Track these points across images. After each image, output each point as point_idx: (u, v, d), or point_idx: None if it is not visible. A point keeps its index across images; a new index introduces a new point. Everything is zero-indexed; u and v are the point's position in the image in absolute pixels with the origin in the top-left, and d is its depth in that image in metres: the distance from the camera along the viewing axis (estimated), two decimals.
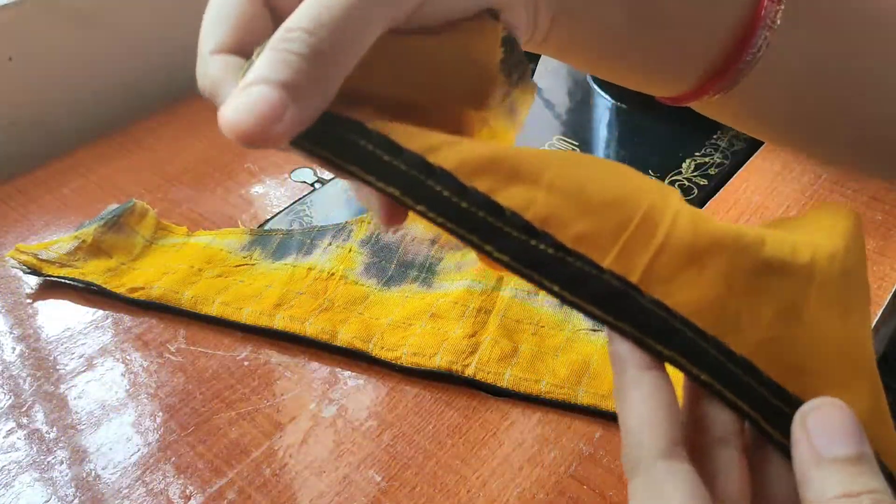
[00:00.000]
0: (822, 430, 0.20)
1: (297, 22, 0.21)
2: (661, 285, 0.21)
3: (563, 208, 0.22)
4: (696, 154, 0.61)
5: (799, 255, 0.23)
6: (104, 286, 0.49)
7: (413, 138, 0.22)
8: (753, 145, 0.62)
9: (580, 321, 0.46)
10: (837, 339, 0.23)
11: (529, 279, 0.21)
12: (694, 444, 0.23)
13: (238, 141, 0.20)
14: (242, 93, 0.20)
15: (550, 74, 0.73)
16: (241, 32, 0.24)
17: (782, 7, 0.28)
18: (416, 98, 0.24)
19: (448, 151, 0.22)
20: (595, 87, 0.70)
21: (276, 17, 0.25)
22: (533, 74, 0.54)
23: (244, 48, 0.24)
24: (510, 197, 0.22)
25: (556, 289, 0.21)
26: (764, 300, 0.22)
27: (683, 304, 0.21)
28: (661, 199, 0.22)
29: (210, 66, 0.24)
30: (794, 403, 0.22)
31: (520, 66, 0.26)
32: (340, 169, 0.22)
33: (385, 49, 0.23)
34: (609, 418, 0.42)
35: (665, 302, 0.21)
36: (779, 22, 0.29)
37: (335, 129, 0.22)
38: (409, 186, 0.21)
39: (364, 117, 0.22)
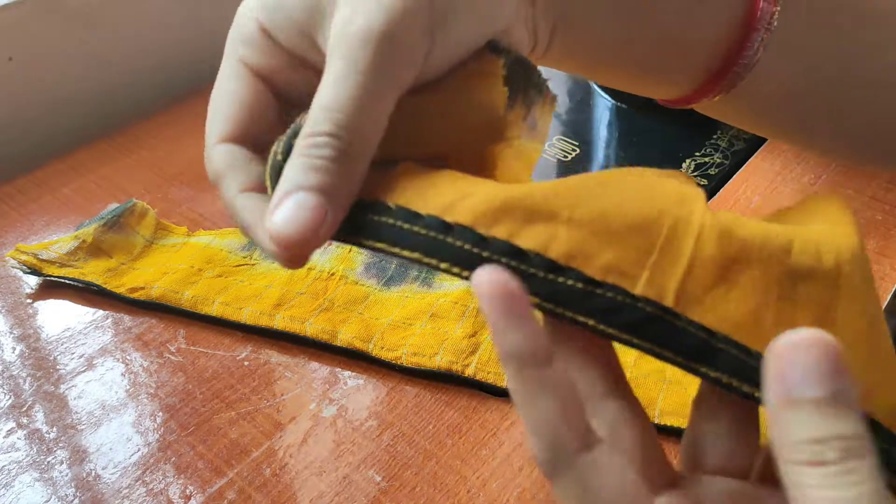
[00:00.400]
0: (792, 367, 0.18)
1: (320, 126, 0.22)
2: (695, 305, 0.21)
3: (586, 240, 0.21)
4: (696, 154, 0.61)
5: (825, 259, 0.22)
6: (104, 286, 0.49)
7: (429, 200, 0.22)
8: (753, 145, 0.62)
9: None
10: (866, 337, 0.22)
11: (563, 318, 0.21)
12: (687, 466, 0.23)
13: (289, 251, 0.21)
14: (284, 205, 0.21)
15: (550, 75, 0.73)
16: (245, 120, 0.25)
17: (778, 9, 0.29)
18: (435, 149, 0.25)
19: (463, 206, 0.22)
20: (595, 87, 0.70)
21: (279, 95, 0.26)
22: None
23: (249, 135, 0.25)
24: (530, 238, 0.21)
25: (590, 323, 0.21)
26: (798, 308, 0.22)
27: (721, 321, 0.21)
28: (683, 211, 0.22)
29: (214, 157, 0.25)
30: None
31: (533, 82, 0.27)
32: (369, 248, 0.23)
33: (396, 117, 0.23)
34: None
35: (702, 322, 0.21)
36: (775, 24, 0.29)
37: (359, 216, 0.23)
38: (432, 248, 0.22)
39: (384, 182, 0.23)
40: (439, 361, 0.44)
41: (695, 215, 0.22)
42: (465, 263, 0.21)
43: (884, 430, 0.22)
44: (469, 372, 0.44)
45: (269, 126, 0.26)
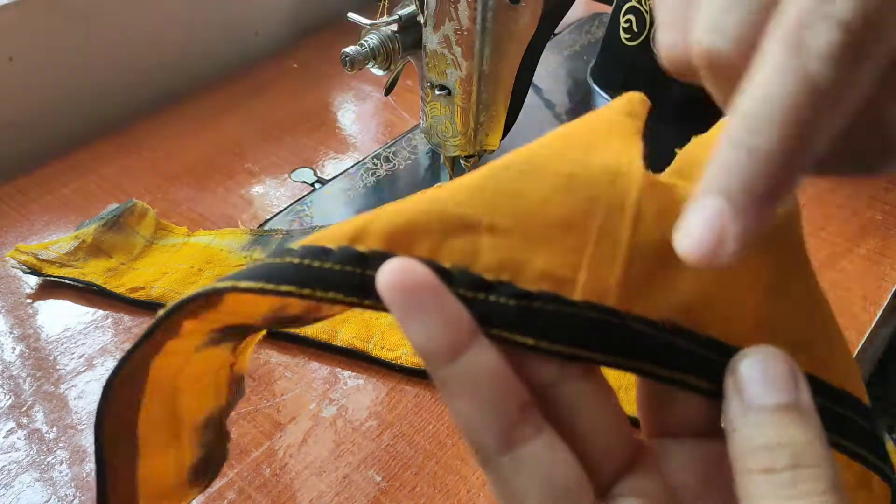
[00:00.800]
0: (751, 376, 0.18)
1: (749, 137, 0.16)
2: (640, 298, 0.19)
3: (513, 247, 0.19)
4: None
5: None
6: (104, 286, 0.49)
7: (335, 233, 0.20)
8: None
9: None
10: (816, 301, 0.21)
11: (500, 340, 0.19)
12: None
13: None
14: (692, 213, 0.16)
15: (550, 75, 0.73)
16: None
17: None
18: None
19: (374, 229, 0.19)
20: (595, 87, 0.70)
21: None
22: (532, 75, 0.54)
23: None
24: (451, 254, 0.19)
25: (530, 343, 0.19)
26: (746, 281, 0.20)
27: (668, 310, 0.19)
28: (616, 192, 0.19)
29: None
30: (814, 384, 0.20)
31: None
32: (281, 294, 0.19)
33: None
34: None
35: (648, 316, 0.19)
36: None
37: (266, 263, 0.20)
38: (351, 287, 0.19)
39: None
40: None
41: (630, 195, 0.19)
42: None
43: (826, 386, 0.20)
44: None
45: None
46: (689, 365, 0.19)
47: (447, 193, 0.20)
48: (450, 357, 0.18)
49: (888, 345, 0.67)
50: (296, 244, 0.20)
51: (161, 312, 0.21)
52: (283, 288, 0.19)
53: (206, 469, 0.30)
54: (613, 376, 0.43)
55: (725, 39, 0.16)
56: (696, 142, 0.24)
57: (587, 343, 0.19)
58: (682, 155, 0.23)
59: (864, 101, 0.16)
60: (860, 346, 0.46)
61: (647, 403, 0.22)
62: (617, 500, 0.20)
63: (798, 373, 0.18)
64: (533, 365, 0.19)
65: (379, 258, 0.19)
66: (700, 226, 0.16)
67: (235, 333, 0.26)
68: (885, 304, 0.49)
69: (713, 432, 0.21)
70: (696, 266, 0.16)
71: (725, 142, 0.16)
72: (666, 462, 0.21)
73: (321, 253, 0.19)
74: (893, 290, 0.50)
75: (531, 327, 0.19)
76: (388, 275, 0.18)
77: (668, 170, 0.23)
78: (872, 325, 0.48)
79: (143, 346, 0.22)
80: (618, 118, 0.22)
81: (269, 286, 0.19)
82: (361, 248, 0.19)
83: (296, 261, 0.19)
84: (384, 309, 0.18)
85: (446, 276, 0.19)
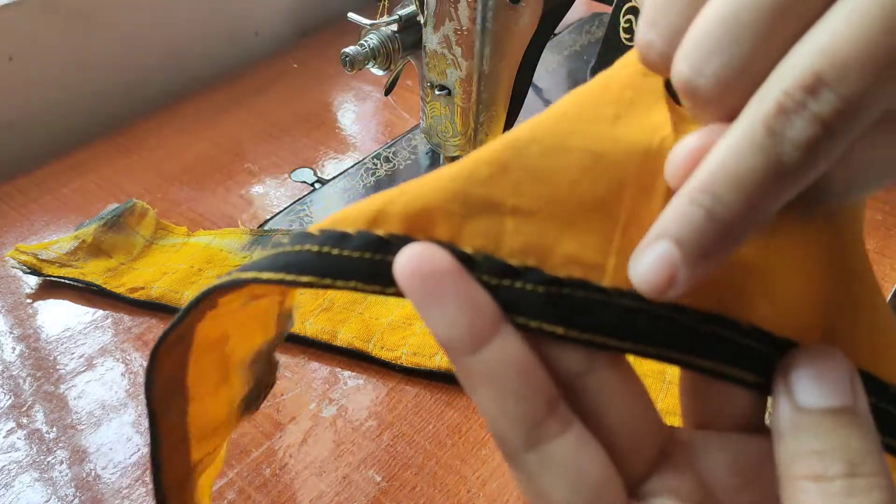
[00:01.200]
0: (804, 377, 0.17)
1: (710, 200, 0.17)
2: None
3: (539, 231, 0.18)
4: None
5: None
6: (104, 286, 0.49)
7: (354, 215, 0.19)
8: None
9: None
10: (860, 277, 0.20)
11: (527, 329, 0.18)
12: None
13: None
14: (648, 249, 0.17)
15: (550, 75, 0.73)
16: None
17: None
18: None
19: (393, 211, 0.19)
20: None
21: None
22: (532, 75, 0.54)
23: None
24: (473, 237, 0.18)
25: (559, 332, 0.18)
26: (799, 267, 0.19)
27: (704, 297, 0.18)
28: (646, 174, 0.19)
29: None
30: None
31: None
32: (301, 285, 0.19)
33: None
34: None
35: (684, 303, 0.18)
36: None
37: (281, 252, 0.20)
38: (371, 276, 0.18)
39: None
40: (439, 361, 0.44)
41: (660, 176, 0.18)
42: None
43: (878, 382, 0.19)
44: None
45: None
46: (730, 355, 0.18)
47: (468, 171, 0.19)
48: (473, 347, 0.17)
49: None
50: (315, 228, 0.19)
51: (190, 300, 0.22)
52: (304, 279, 0.19)
53: (257, 397, 0.31)
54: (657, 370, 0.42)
55: (707, 81, 0.17)
56: None
57: (619, 332, 0.18)
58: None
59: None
60: None
61: (688, 393, 0.21)
62: (649, 500, 0.19)
63: (856, 375, 0.18)
64: (559, 355, 0.18)
65: (399, 242, 0.18)
66: (653, 265, 0.17)
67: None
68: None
69: (755, 427, 0.20)
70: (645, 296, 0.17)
71: (686, 195, 0.17)
72: (701, 456, 0.20)
73: (340, 239, 0.19)
74: (893, 289, 0.50)
75: (560, 315, 0.18)
76: (406, 262, 0.17)
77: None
78: None
79: (182, 323, 0.23)
80: (637, 79, 0.20)
81: (290, 277, 0.19)
82: (380, 231, 0.19)
83: (315, 248, 0.19)
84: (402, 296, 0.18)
85: (468, 261, 0.18)
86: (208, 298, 0.22)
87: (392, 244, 0.18)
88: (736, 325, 0.18)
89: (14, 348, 0.47)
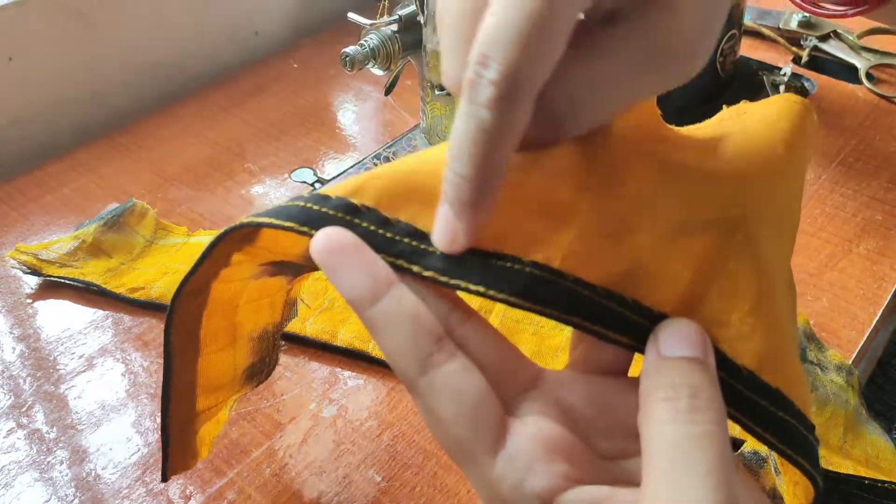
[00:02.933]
0: (668, 336, 0.22)
1: (453, 164, 0.22)
2: (583, 265, 0.23)
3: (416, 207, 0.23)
4: None
5: (730, 211, 0.24)
6: (104, 286, 0.49)
7: (339, 187, 0.24)
8: None
9: None
10: (755, 290, 0.24)
11: (456, 288, 0.23)
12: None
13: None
14: (437, 215, 0.23)
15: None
16: None
17: None
18: None
19: (367, 188, 0.24)
20: None
21: None
22: None
23: None
24: (429, 220, 0.23)
25: (481, 290, 0.22)
26: (682, 261, 0.23)
27: (605, 276, 0.22)
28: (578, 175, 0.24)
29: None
30: (722, 362, 0.23)
31: None
32: (288, 229, 0.24)
33: None
34: None
35: (589, 280, 0.22)
36: None
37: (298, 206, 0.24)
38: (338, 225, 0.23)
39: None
40: None
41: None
42: (369, 241, 0.23)
43: (730, 362, 0.23)
44: None
45: None
46: (612, 322, 0.22)
47: (432, 165, 0.24)
48: (371, 301, 0.22)
49: (888, 345, 0.67)
50: (307, 192, 0.24)
51: (207, 245, 0.26)
52: (287, 224, 0.23)
53: (260, 371, 0.36)
54: None
55: (452, 82, 0.23)
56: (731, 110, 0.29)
57: (532, 297, 0.22)
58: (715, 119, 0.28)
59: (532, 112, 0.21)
60: (860, 345, 0.46)
61: (578, 342, 0.26)
62: (521, 415, 0.23)
63: (708, 343, 0.22)
64: (429, 301, 0.23)
65: (367, 212, 0.23)
66: (439, 227, 0.23)
67: (287, 270, 0.31)
68: (885, 304, 0.49)
69: (619, 373, 0.25)
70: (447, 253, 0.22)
71: (446, 165, 0.22)
72: (566, 390, 0.24)
73: (322, 199, 0.24)
74: (893, 290, 0.50)
75: (483, 278, 0.22)
76: (318, 240, 0.22)
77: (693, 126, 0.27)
78: (872, 325, 0.48)
79: (197, 271, 0.27)
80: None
81: (277, 221, 0.23)
82: (356, 200, 0.23)
83: (301, 203, 0.24)
84: None
85: (423, 237, 0.23)
86: (223, 243, 0.26)
87: (361, 212, 0.23)
88: (622, 299, 0.23)
89: (14, 348, 0.47)
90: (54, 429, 0.42)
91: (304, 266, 0.30)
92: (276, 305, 0.34)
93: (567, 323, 0.22)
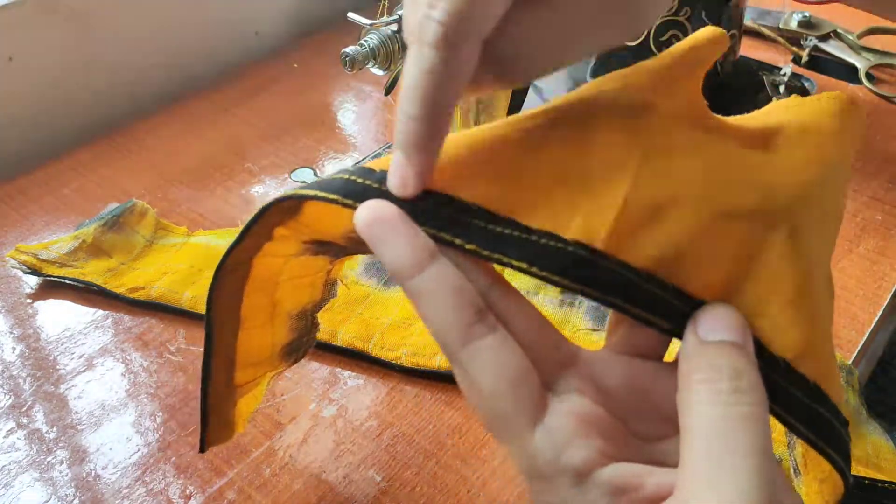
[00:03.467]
0: (709, 320, 0.22)
1: (402, 105, 0.23)
2: (625, 247, 0.22)
3: (522, 199, 0.23)
4: None
5: (777, 198, 0.24)
6: (104, 286, 0.49)
7: (384, 161, 0.24)
8: None
9: (580, 321, 0.46)
10: (792, 281, 0.24)
11: (498, 262, 0.22)
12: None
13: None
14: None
15: (550, 75, 0.73)
16: None
17: None
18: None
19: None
20: None
21: None
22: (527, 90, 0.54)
23: None
24: (474, 195, 0.23)
25: (524, 266, 0.22)
26: (727, 243, 0.23)
27: (646, 259, 0.22)
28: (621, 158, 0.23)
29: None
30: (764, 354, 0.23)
31: None
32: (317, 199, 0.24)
33: None
34: None
35: (631, 263, 0.22)
36: None
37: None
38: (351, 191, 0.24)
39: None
40: (439, 361, 0.44)
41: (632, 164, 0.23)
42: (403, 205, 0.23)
43: (770, 354, 0.23)
44: None
45: None
46: (652, 306, 0.22)
47: (475, 139, 0.24)
48: (414, 272, 0.22)
49: (888, 345, 0.67)
50: (354, 165, 0.24)
51: (250, 218, 0.27)
52: (331, 196, 0.23)
53: (297, 350, 0.37)
54: None
55: (408, 31, 0.23)
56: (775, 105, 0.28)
57: (574, 276, 0.22)
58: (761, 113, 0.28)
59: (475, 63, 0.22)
60: (860, 345, 0.46)
61: (617, 323, 0.26)
62: (558, 392, 0.23)
63: (748, 329, 0.22)
64: (471, 277, 0.23)
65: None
66: (392, 171, 0.23)
67: (329, 251, 0.31)
68: (885, 304, 0.49)
69: (656, 357, 0.25)
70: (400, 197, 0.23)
71: (397, 108, 0.23)
72: (602, 371, 0.24)
73: (367, 172, 0.24)
74: (893, 290, 0.50)
75: (527, 254, 0.22)
76: (363, 212, 0.23)
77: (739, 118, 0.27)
78: (872, 325, 0.48)
79: (241, 243, 0.28)
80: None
81: (321, 194, 0.24)
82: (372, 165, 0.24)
83: (345, 176, 0.24)
84: None
85: (467, 212, 0.23)
86: (268, 214, 0.26)
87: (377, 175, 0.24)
88: (663, 283, 0.22)
89: (14, 348, 0.47)
90: (54, 429, 0.42)
91: (346, 248, 0.30)
92: (316, 285, 0.35)
93: (606, 304, 0.22)
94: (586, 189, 0.23)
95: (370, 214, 0.23)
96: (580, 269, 0.22)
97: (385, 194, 0.23)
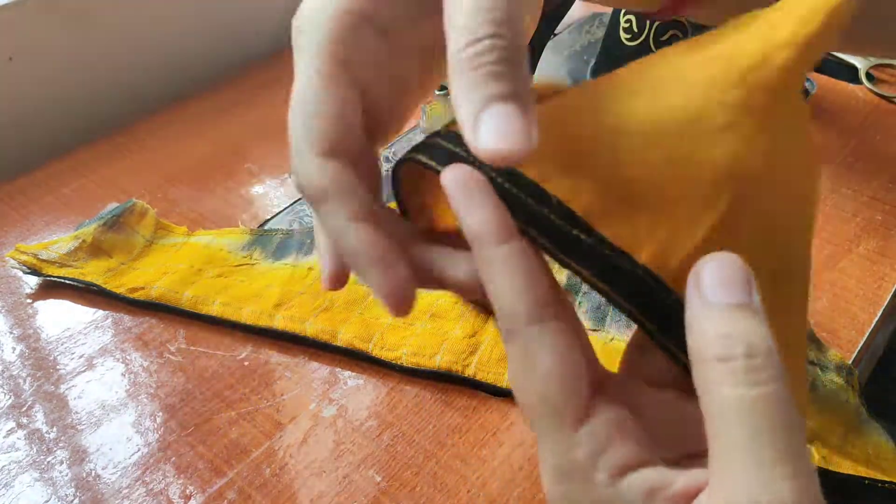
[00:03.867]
0: (712, 279, 0.21)
1: (480, 30, 0.21)
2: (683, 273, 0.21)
3: (607, 204, 0.22)
4: None
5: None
6: (104, 286, 0.49)
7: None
8: None
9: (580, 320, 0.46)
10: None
11: (563, 265, 0.22)
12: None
13: (505, 163, 0.20)
14: (483, 122, 0.20)
15: (550, 70, 0.73)
16: (344, 132, 0.24)
17: None
18: None
19: None
20: None
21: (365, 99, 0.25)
22: (534, 72, 0.54)
23: (348, 151, 0.24)
24: (558, 187, 0.22)
25: (591, 279, 0.21)
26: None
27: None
28: (711, 188, 0.22)
29: (315, 172, 0.23)
30: None
31: None
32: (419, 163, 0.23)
33: None
34: None
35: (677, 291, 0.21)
36: None
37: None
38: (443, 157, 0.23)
39: None
40: (439, 361, 0.44)
41: (724, 188, 0.22)
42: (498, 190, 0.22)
43: None
44: (469, 372, 0.44)
45: (359, 144, 0.24)
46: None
47: (580, 125, 0.22)
48: (497, 241, 0.21)
49: (888, 345, 0.67)
50: (444, 129, 0.23)
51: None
52: (431, 163, 0.23)
53: None
54: None
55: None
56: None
57: (635, 301, 0.21)
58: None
59: None
60: (860, 345, 0.46)
61: (636, 348, 0.25)
62: (601, 401, 0.22)
63: (752, 279, 0.21)
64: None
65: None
66: (495, 126, 0.20)
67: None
68: (885, 304, 0.49)
69: (678, 388, 0.24)
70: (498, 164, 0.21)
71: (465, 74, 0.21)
72: (630, 395, 0.23)
73: (457, 139, 0.22)
74: (893, 290, 0.50)
75: (599, 267, 0.21)
76: (451, 172, 0.22)
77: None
78: (872, 325, 0.48)
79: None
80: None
81: (418, 157, 0.23)
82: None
83: (440, 142, 0.23)
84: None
85: (546, 202, 0.22)
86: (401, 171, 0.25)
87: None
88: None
89: (14, 348, 0.47)
90: (54, 429, 0.42)
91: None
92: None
93: (650, 335, 0.22)
94: (669, 210, 0.22)
95: (461, 175, 0.22)
96: (643, 297, 0.21)
97: (471, 165, 0.22)
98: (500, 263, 0.22)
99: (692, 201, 0.22)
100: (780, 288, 0.23)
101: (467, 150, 0.21)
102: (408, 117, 0.28)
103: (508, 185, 0.22)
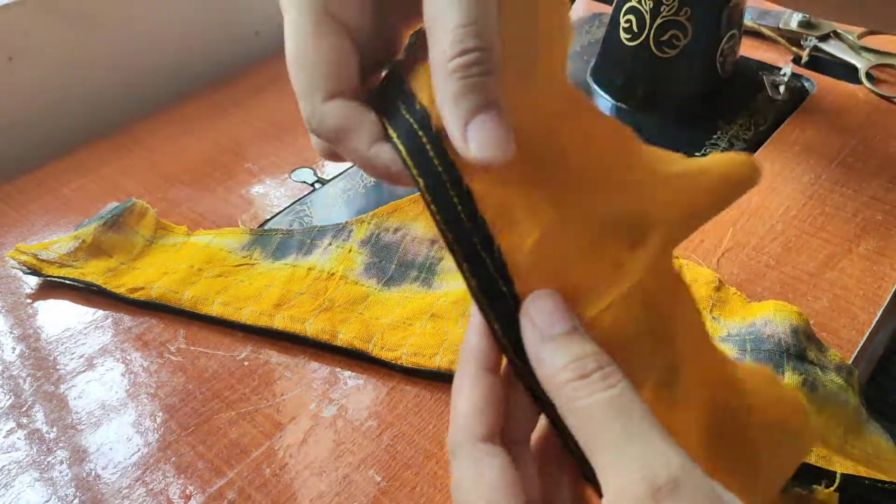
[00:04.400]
0: (541, 314, 0.23)
1: (466, 42, 0.22)
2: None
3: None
4: (696, 154, 0.61)
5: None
6: (104, 286, 0.49)
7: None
8: (753, 145, 0.62)
9: None
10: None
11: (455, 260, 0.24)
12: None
13: (494, 166, 0.23)
14: (472, 131, 0.22)
15: None
16: (347, 76, 0.26)
17: None
18: None
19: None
20: (595, 87, 0.70)
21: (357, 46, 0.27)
22: None
23: (354, 92, 0.26)
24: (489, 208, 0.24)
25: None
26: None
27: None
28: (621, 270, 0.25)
29: (329, 113, 0.25)
30: None
31: None
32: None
33: None
34: None
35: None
36: None
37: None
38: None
39: None
40: (439, 361, 0.44)
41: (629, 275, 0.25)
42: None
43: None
44: None
45: (357, 82, 0.26)
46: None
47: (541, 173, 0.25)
48: (486, 367, 0.26)
49: (888, 345, 0.67)
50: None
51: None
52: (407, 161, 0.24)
53: None
54: None
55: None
56: None
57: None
58: None
59: None
60: (860, 345, 0.46)
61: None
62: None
63: (566, 306, 0.24)
64: None
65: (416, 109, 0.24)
66: (484, 131, 0.22)
67: None
68: (885, 304, 0.49)
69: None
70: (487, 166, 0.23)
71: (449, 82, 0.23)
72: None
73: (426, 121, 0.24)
74: (893, 290, 0.50)
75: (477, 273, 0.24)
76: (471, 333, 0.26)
77: None
78: (872, 325, 0.48)
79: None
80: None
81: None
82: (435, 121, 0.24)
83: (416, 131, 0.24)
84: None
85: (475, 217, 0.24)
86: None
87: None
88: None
89: (14, 348, 0.47)
90: (54, 429, 0.42)
91: None
92: None
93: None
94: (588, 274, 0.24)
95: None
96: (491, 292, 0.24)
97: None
98: (483, 385, 0.25)
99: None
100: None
101: (426, 131, 0.24)
102: (398, 48, 0.29)
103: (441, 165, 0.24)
